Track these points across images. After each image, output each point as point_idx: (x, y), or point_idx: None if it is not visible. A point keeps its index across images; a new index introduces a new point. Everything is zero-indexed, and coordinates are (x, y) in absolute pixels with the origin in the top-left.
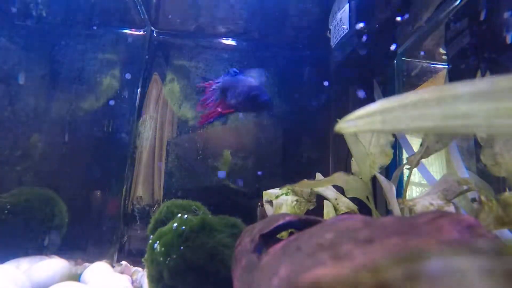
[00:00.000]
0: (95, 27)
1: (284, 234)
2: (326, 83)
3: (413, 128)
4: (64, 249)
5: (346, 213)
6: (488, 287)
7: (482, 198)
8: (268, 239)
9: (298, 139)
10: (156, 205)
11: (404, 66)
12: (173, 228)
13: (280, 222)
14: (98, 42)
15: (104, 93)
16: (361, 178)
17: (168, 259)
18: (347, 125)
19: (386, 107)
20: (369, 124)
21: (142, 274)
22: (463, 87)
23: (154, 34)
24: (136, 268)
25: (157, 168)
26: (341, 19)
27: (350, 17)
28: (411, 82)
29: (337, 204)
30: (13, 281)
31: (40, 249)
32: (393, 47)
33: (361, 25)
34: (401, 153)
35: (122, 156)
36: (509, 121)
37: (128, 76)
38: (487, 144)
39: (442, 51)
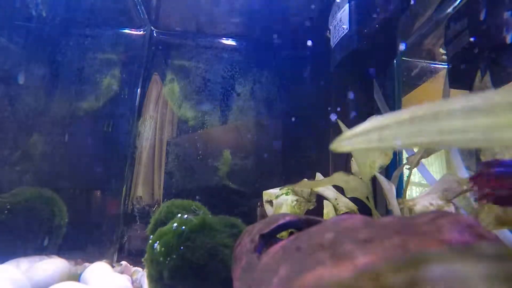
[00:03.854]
0: (95, 27)
1: (284, 234)
2: (326, 83)
3: (410, 144)
4: (64, 249)
5: (346, 213)
6: None
7: None
8: (268, 239)
9: (298, 139)
10: (156, 205)
11: (404, 66)
12: (173, 228)
13: (280, 222)
14: (98, 42)
15: (104, 93)
16: (361, 178)
17: (168, 259)
18: (342, 144)
19: (382, 124)
20: (366, 142)
21: (142, 274)
22: (458, 103)
23: (154, 34)
24: (136, 268)
25: (157, 168)
26: (341, 19)
27: (350, 17)
28: (411, 82)
29: (337, 204)
30: (13, 281)
31: (40, 249)
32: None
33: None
34: (401, 153)
35: (122, 156)
36: (506, 134)
37: (128, 76)
38: None
39: (442, 51)
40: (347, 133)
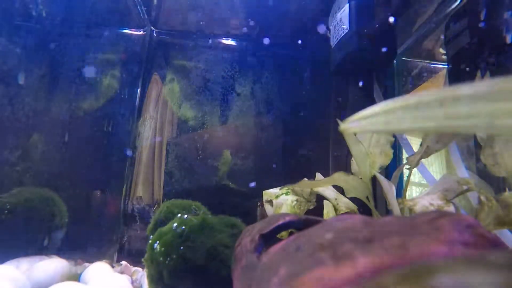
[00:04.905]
0: (95, 27)
1: (284, 234)
2: (325, 83)
3: (416, 129)
4: (64, 249)
5: (346, 213)
6: None
7: (482, 198)
8: (268, 239)
9: (298, 139)
10: (156, 205)
11: (404, 66)
12: (173, 228)
13: (280, 222)
14: (98, 42)
15: (104, 93)
16: (361, 178)
17: (168, 259)
18: (350, 125)
19: (389, 108)
20: (372, 124)
21: (142, 274)
22: (464, 89)
23: (154, 34)
24: (136, 268)
25: (157, 168)
26: (341, 19)
27: (350, 17)
28: (411, 82)
29: (337, 204)
30: (13, 281)
31: (40, 249)
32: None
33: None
34: (401, 153)
35: (122, 156)
36: (509, 121)
37: (128, 76)
38: (487, 144)
39: (442, 51)
40: (356, 115)
